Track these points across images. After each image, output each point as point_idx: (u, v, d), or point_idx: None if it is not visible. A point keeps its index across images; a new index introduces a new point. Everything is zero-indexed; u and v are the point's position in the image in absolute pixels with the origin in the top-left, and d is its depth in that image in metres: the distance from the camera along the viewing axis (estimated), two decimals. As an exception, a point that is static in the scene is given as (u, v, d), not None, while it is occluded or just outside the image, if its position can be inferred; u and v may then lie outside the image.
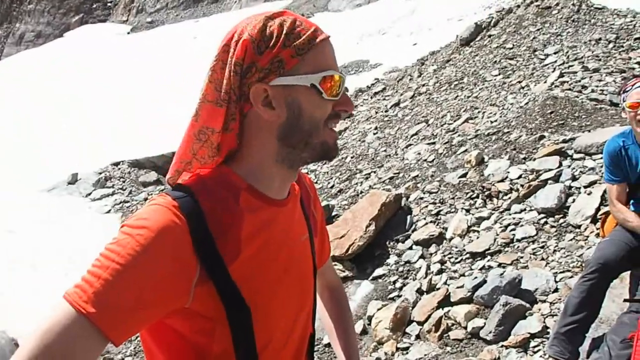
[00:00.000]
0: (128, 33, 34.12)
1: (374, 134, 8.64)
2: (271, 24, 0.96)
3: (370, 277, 4.07)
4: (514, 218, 3.88)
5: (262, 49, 0.95)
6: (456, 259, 3.75)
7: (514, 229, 3.77)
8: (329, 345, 3.54)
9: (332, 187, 6.89)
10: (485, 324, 3.11)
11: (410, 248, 4.10)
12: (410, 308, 3.49)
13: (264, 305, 0.98)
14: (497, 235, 3.77)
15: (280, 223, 1.03)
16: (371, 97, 11.70)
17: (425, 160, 5.86)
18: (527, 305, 3.10)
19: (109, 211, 10.44)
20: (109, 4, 39.02)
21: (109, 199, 11.02)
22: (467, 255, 3.73)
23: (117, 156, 13.05)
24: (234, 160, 1.02)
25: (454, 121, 6.87)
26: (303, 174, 1.24)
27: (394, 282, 3.87)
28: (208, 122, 0.99)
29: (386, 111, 9.69)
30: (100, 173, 12.20)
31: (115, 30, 34.90)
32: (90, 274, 0.84)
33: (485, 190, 4.24)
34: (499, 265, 3.51)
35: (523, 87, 6.82)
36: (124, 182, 11.88)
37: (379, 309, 3.62)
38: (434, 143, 6.41)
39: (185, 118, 1.06)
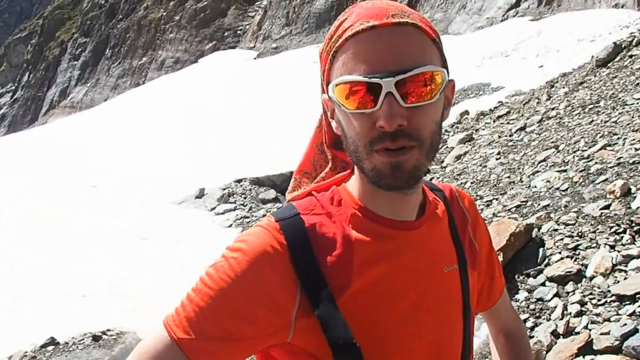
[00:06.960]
0: (254, 58, 36.33)
1: (497, 159, 8.22)
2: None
3: (496, 312, 3.79)
4: (670, 259, 3.41)
5: (321, 57, 0.85)
6: (599, 300, 3.37)
7: (670, 272, 3.31)
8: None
9: (451, 213, 6.62)
10: (637, 378, 2.74)
11: (543, 284, 3.76)
12: (544, 352, 3.19)
13: (381, 347, 0.83)
14: (650, 277, 3.32)
15: (411, 249, 0.87)
16: (494, 121, 11.20)
17: (557, 188, 5.41)
18: (692, 362, 2.68)
19: (230, 225, 11.05)
20: (238, 32, 41.97)
21: (231, 213, 11.66)
22: (613, 298, 3.33)
23: (240, 173, 13.80)
24: (350, 178, 0.91)
25: (589, 147, 6.31)
26: (463, 192, 1.06)
27: (525, 321, 3.57)
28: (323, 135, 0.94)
29: (510, 135, 9.20)
30: (224, 189, 12.96)
31: (243, 56, 37.39)
32: (186, 298, 0.80)
33: (634, 225, 3.79)
34: (654, 312, 3.08)
35: (674, 112, 6.10)
36: (245, 198, 12.49)
37: (506, 348, 3.34)
38: (565, 170, 5.92)
39: (304, 138, 1.03)
